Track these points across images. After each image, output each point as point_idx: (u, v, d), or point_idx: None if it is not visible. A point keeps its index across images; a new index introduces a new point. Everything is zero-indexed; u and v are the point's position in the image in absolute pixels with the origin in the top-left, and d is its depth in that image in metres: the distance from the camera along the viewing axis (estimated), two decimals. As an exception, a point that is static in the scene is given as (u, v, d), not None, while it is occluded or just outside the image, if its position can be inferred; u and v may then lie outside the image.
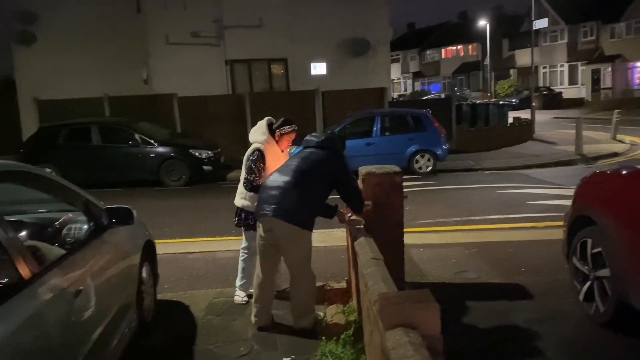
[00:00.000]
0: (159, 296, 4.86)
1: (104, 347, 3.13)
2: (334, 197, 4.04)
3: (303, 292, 4.00)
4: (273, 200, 3.81)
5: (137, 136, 12.32)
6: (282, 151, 4.70)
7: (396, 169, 4.92)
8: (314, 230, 7.39)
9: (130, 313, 3.78)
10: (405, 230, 5.00)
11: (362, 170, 4.82)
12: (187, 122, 14.67)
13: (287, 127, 4.64)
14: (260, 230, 3.96)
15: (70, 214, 3.78)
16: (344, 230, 4.91)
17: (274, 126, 4.65)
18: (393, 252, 4.51)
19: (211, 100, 14.97)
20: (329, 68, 16.56)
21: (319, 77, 16.11)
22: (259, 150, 4.49)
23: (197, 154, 12.44)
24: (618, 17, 35.76)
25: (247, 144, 4.71)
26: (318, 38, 16.81)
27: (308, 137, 4.18)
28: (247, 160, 4.52)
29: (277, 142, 4.62)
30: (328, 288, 5.02)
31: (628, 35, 35.75)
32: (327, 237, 6.94)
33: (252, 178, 4.41)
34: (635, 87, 35.74)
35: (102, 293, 3.21)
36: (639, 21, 34.80)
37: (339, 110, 15.08)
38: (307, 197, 3.86)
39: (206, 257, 6.58)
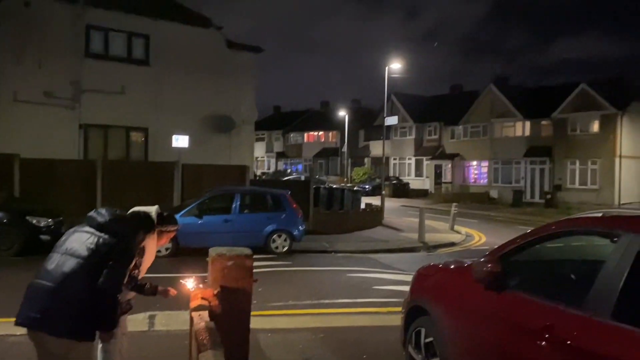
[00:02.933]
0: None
1: None
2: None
3: None
4: (38, 305, 2.97)
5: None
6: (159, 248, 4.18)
7: (247, 251, 4.88)
8: (157, 312, 6.96)
9: None
10: (254, 313, 4.92)
11: (212, 251, 4.72)
12: (29, 186, 13.40)
13: (172, 227, 4.07)
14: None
15: None
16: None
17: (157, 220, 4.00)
18: (238, 339, 4.39)
19: (59, 165, 13.92)
20: (191, 141, 16.45)
21: (180, 150, 15.88)
22: None
23: (34, 222, 11.31)
24: (457, 121, 40.60)
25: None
26: (182, 110, 16.77)
27: (93, 214, 3.28)
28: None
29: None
30: (166, 377, 4.69)
31: (465, 137, 40.58)
32: (171, 320, 6.59)
33: None
34: (471, 183, 40.16)
35: None
36: (474, 126, 39.78)
37: (199, 185, 14.90)
38: (87, 295, 3.00)
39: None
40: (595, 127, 32.45)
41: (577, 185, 32.91)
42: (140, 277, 3.95)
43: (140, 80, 16.41)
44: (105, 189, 13.84)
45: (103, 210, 3.30)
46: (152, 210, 3.88)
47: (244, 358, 4.49)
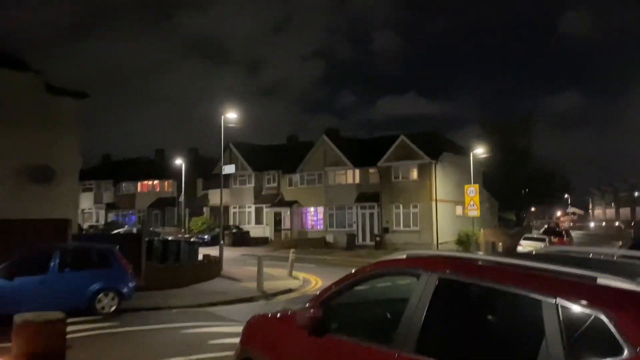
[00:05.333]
0: None
1: None
2: None
3: None
4: None
5: None
6: None
7: (59, 315, 4.47)
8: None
9: None
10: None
11: (17, 318, 4.23)
12: None
13: None
14: None
15: None
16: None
17: None
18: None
19: None
20: (2, 194, 14.70)
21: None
22: None
23: None
24: (294, 169, 42.07)
25: None
26: (-8, 160, 14.99)
27: None
28: None
29: None
30: None
31: (302, 184, 42.12)
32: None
33: None
34: (308, 229, 41.51)
35: None
36: (310, 174, 41.55)
37: (11, 243, 13.23)
38: None
39: None
40: (414, 174, 35.94)
41: (402, 228, 35.82)
42: None
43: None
44: None
45: None
46: None
47: None
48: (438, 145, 36.89)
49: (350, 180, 39.22)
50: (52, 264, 11.45)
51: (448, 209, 35.71)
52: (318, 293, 3.96)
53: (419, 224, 35.08)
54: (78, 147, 17.49)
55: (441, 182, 35.27)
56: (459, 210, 35.92)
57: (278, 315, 4.41)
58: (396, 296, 4.28)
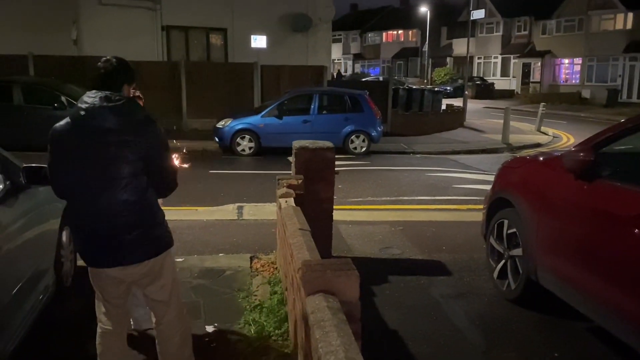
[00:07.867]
0: (81, 262, 4.72)
1: (15, 311, 3.01)
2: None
3: (179, 336, 2.81)
4: (113, 242, 2.48)
5: (63, 98, 11.68)
6: None
7: (329, 144, 5.00)
8: (245, 204, 7.37)
9: (47, 278, 3.65)
10: (335, 207, 5.10)
11: (296, 144, 4.87)
12: (119, 88, 14.08)
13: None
14: (104, 276, 2.65)
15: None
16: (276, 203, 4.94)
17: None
18: (321, 226, 4.60)
19: (144, 66, 14.31)
20: (269, 42, 16.35)
21: (258, 51, 15.86)
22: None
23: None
24: (549, 15, 37.39)
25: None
26: (259, 10, 16.54)
27: (95, 102, 2.53)
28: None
29: None
30: (256, 260, 5.05)
31: (558, 32, 37.48)
32: (258, 211, 6.96)
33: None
34: (561, 82, 37.63)
35: (15, 255, 3.07)
36: (568, 20, 36.53)
37: (278, 86, 15.00)
38: (152, 207, 2.57)
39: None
40: None
41: (683, 84, 30.02)
42: None
43: (216, -21, 16.21)
44: (190, 91, 14.27)
45: (94, 96, 2.58)
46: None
47: (327, 242, 4.73)
48: None
49: (619, 26, 33.37)
50: (312, 106, 12.69)
51: None
52: (588, 137, 3.64)
53: None
54: (331, -4, 18.11)
55: None
56: None
57: (540, 158, 4.24)
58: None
